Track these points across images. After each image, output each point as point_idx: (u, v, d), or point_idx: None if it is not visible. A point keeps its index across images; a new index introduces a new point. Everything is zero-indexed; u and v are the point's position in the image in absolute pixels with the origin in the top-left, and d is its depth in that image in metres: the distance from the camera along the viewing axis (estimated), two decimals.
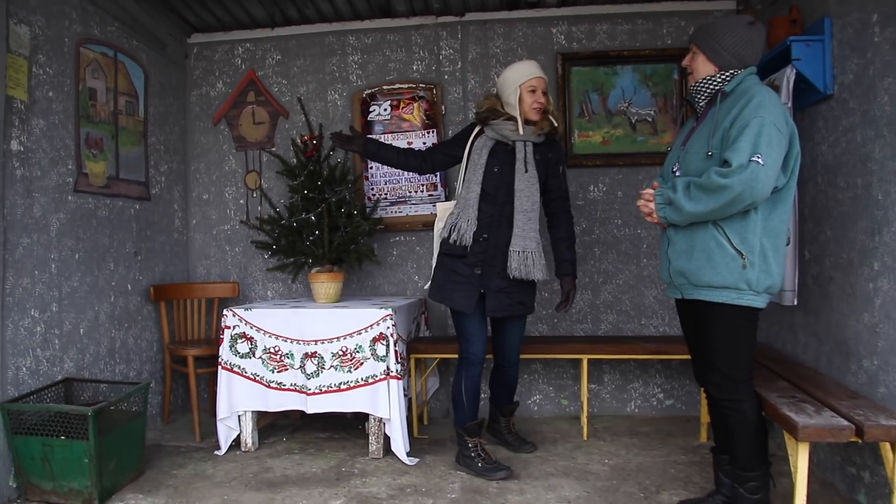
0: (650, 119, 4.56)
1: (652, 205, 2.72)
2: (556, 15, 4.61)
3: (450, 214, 3.54)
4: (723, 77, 2.66)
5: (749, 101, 2.49)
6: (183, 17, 4.67)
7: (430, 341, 4.26)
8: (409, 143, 4.68)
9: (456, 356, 3.72)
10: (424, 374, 4.32)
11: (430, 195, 4.70)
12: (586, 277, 4.62)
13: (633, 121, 4.58)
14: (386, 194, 4.73)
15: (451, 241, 3.44)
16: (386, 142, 3.99)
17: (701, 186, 2.50)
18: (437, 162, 3.72)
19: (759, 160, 2.38)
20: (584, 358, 4.05)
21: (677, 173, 2.71)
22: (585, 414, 4.13)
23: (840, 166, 3.15)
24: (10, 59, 3.26)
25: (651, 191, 2.75)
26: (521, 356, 3.85)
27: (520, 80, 3.41)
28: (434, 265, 3.61)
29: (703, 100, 2.72)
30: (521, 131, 3.41)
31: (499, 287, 3.45)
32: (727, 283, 2.56)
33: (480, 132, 3.51)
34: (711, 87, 2.68)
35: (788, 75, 3.27)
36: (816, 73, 3.22)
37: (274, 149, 4.80)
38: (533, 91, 3.41)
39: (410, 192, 4.71)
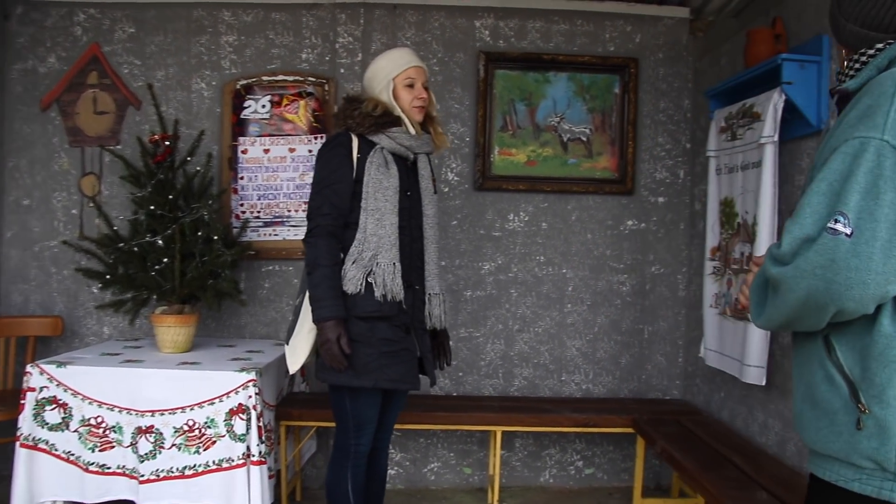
0: (585, 139, 3.83)
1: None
2: (482, 6, 3.80)
3: (353, 262, 2.46)
4: (852, 63, 1.42)
5: (856, 104, 1.30)
6: None
7: (307, 403, 3.37)
8: (292, 150, 3.78)
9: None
10: (298, 445, 3.45)
11: None
12: (499, 324, 3.86)
13: (565, 139, 3.83)
14: (258, 212, 3.79)
15: (377, 297, 2.44)
16: (329, 287, 2.43)
17: (763, 275, 1.40)
18: (348, 222, 2.53)
19: (843, 227, 1.19)
20: (498, 430, 3.32)
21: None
22: (496, 494, 3.37)
23: None
24: None
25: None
26: (418, 425, 3.14)
27: (393, 71, 2.58)
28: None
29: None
30: (410, 131, 2.58)
31: (427, 346, 2.66)
32: (831, 450, 1.33)
33: (361, 143, 2.55)
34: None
35: (776, 102, 2.61)
36: (809, 101, 2.58)
37: (119, 147, 3.77)
38: (411, 86, 2.59)
39: (289, 211, 3.80)
